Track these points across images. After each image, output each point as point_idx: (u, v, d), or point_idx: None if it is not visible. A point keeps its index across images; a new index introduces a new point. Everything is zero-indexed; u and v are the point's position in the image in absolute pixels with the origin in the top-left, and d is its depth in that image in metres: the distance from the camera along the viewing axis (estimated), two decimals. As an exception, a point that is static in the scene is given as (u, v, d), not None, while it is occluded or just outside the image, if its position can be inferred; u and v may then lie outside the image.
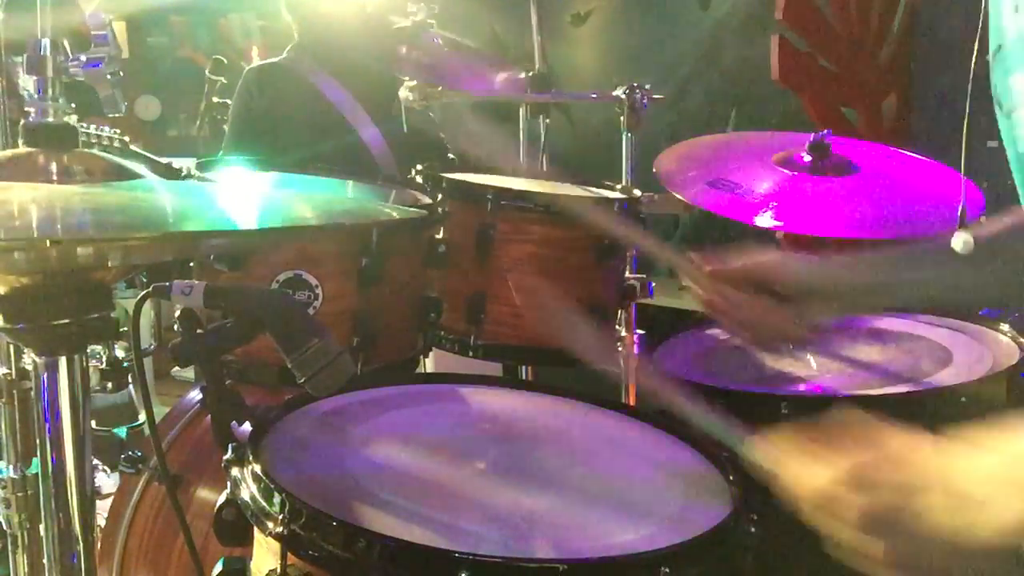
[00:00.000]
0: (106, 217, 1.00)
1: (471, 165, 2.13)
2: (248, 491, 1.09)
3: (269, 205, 1.25)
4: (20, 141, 1.07)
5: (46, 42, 1.06)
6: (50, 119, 1.07)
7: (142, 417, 2.92)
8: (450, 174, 1.98)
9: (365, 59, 3.01)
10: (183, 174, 1.47)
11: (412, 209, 1.65)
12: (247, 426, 1.18)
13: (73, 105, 1.08)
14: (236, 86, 3.18)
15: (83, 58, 1.08)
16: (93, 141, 1.91)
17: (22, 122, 1.07)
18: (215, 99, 3.52)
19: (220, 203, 1.23)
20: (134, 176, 1.10)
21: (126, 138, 1.90)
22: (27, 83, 1.07)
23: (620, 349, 2.19)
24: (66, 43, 1.08)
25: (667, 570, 0.98)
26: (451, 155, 3.21)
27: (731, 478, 1.21)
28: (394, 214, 1.37)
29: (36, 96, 1.06)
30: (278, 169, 2.05)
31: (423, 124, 2.99)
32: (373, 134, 2.99)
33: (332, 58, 3.04)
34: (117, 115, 1.14)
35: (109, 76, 1.09)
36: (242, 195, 1.29)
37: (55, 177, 1.05)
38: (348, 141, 2.96)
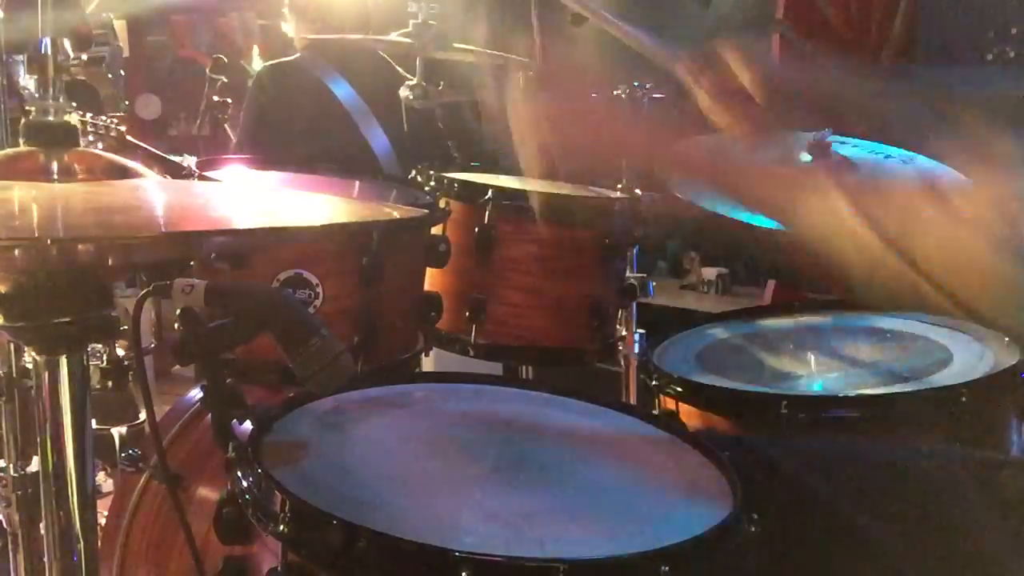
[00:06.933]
0: (107, 215, 1.01)
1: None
2: (248, 490, 1.09)
3: (270, 204, 1.25)
4: (21, 140, 1.07)
5: (47, 41, 1.06)
6: (51, 118, 1.07)
7: (142, 416, 2.92)
8: (451, 174, 1.98)
9: (368, 59, 3.02)
10: (183, 165, 1.47)
11: (413, 208, 1.65)
12: (247, 425, 1.18)
13: (74, 104, 1.08)
14: (237, 85, 3.19)
15: (84, 57, 1.08)
16: (89, 130, 1.90)
17: (23, 120, 1.07)
18: (215, 98, 3.53)
19: (221, 201, 1.23)
20: (135, 175, 1.10)
21: (123, 128, 1.90)
22: (28, 82, 1.07)
23: (620, 349, 2.20)
24: (67, 42, 1.08)
25: (667, 570, 0.98)
26: (454, 154, 3.21)
27: (731, 478, 1.21)
28: (395, 213, 1.37)
29: (37, 95, 1.06)
30: (281, 167, 2.05)
31: (425, 123, 3.00)
32: (379, 135, 3.00)
33: (338, 57, 3.05)
34: (118, 114, 1.14)
35: (110, 75, 1.09)
36: (243, 193, 1.29)
37: (56, 176, 1.05)
38: (355, 141, 2.97)
